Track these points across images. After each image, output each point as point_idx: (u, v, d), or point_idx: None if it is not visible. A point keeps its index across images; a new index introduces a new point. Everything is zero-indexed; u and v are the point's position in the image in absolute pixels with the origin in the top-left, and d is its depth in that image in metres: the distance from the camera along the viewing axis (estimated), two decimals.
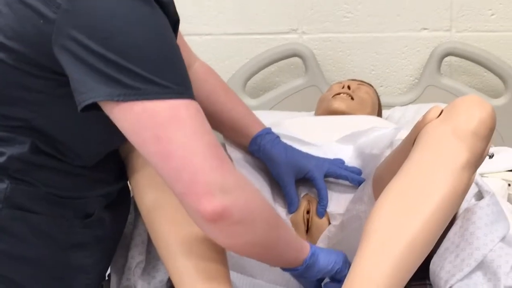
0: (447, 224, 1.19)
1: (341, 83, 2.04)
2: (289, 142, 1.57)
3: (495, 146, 2.04)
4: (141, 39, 1.01)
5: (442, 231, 1.18)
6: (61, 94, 1.10)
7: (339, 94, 1.95)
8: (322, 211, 1.50)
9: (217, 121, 1.53)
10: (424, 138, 1.21)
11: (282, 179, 1.52)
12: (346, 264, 1.24)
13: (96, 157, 1.25)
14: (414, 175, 1.18)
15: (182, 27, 1.23)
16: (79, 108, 1.03)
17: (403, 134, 1.47)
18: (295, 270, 1.21)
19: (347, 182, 1.54)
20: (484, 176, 1.81)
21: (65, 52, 1.02)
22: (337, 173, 1.53)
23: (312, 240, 1.50)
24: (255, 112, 1.60)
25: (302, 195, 1.55)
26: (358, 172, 1.55)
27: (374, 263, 1.12)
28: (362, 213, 1.42)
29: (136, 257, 1.39)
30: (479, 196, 1.41)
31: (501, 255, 1.26)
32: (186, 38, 1.47)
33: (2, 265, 1.18)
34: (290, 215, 1.52)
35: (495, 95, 2.28)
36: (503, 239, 1.29)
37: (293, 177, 1.52)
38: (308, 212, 1.52)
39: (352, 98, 1.93)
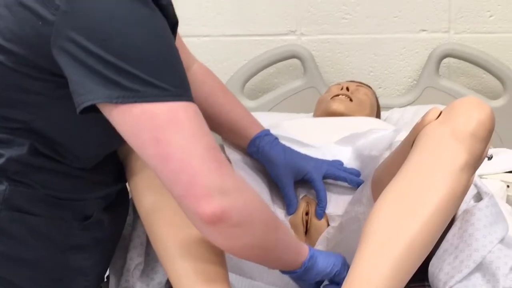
0: (446, 225, 1.19)
1: (339, 84, 2.04)
2: (287, 144, 1.56)
3: (494, 147, 2.04)
4: (140, 41, 1.01)
5: (441, 233, 1.18)
6: (60, 96, 1.10)
7: (337, 95, 1.95)
8: (321, 213, 1.50)
9: (215, 122, 1.53)
10: (423, 139, 1.21)
11: (280, 181, 1.52)
12: (345, 266, 1.24)
13: (95, 159, 1.25)
14: (413, 177, 1.18)
15: (180, 29, 1.23)
16: (78, 110, 1.03)
17: (402, 135, 1.47)
18: (294, 272, 1.21)
19: (345, 184, 1.54)
20: (483, 178, 1.81)
21: (63, 53, 1.02)
22: (336, 174, 1.53)
23: (311, 242, 1.50)
24: (253, 113, 1.60)
25: (300, 196, 1.55)
26: (357, 173, 1.55)
27: (373, 264, 1.12)
28: (361, 214, 1.42)
29: (135, 259, 1.39)
30: (478, 197, 1.41)
31: (500, 256, 1.26)
32: (184, 40, 1.47)
33: (0, 267, 1.18)
34: (289, 217, 1.52)
35: (494, 96, 2.28)
36: (502, 241, 1.29)
37: (291, 179, 1.52)
38: (307, 213, 1.52)
39: (350, 100, 1.93)
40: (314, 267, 1.21)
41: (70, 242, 1.26)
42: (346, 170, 1.55)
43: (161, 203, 1.27)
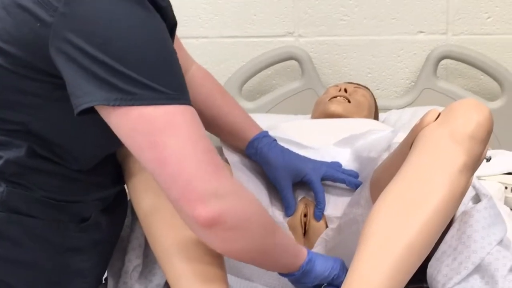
0: (445, 227, 1.19)
1: (337, 86, 2.04)
2: (286, 145, 1.56)
3: (492, 149, 2.04)
4: (138, 44, 1.01)
5: (440, 234, 1.18)
6: (58, 97, 1.10)
7: (335, 97, 1.95)
8: (319, 214, 1.50)
9: (214, 124, 1.53)
10: (421, 141, 1.21)
11: (279, 183, 1.52)
12: (344, 270, 1.23)
13: (93, 161, 1.25)
14: (412, 179, 1.18)
15: (178, 30, 1.23)
16: (76, 112, 1.03)
17: (400, 137, 1.47)
18: (292, 275, 1.21)
19: (344, 185, 1.54)
20: (481, 179, 1.81)
21: (61, 55, 1.02)
22: (335, 176, 1.53)
23: (310, 244, 1.50)
24: (251, 115, 1.60)
25: (299, 198, 1.55)
26: (355, 175, 1.55)
27: (372, 266, 1.12)
28: (359, 216, 1.42)
29: (133, 261, 1.39)
30: (477, 199, 1.41)
31: (498, 258, 1.26)
32: (182, 41, 1.47)
33: None
34: (288, 219, 1.52)
35: (491, 98, 2.28)
36: (500, 242, 1.29)
37: (290, 181, 1.52)
38: (305, 215, 1.52)
39: (348, 101, 1.93)
40: (312, 270, 1.21)
41: (68, 244, 1.25)
42: (345, 171, 1.55)
43: (159, 205, 1.27)
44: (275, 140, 1.55)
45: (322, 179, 1.52)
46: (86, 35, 0.99)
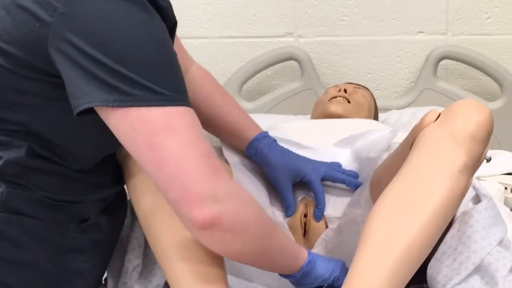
0: (445, 227, 1.19)
1: (337, 86, 2.03)
2: (286, 146, 1.56)
3: (491, 149, 2.04)
4: (138, 45, 1.01)
5: (440, 235, 1.18)
6: (57, 96, 1.10)
7: (335, 97, 1.95)
8: (319, 215, 1.50)
9: (214, 124, 1.53)
10: (421, 141, 1.21)
11: (279, 183, 1.52)
12: (344, 272, 1.23)
13: (93, 161, 1.25)
14: (412, 179, 1.18)
15: (178, 30, 1.23)
16: (75, 112, 1.03)
17: (400, 137, 1.47)
18: (292, 276, 1.21)
19: (344, 186, 1.54)
20: (481, 180, 1.81)
21: (61, 55, 1.02)
22: (334, 176, 1.53)
23: (309, 244, 1.50)
24: (251, 115, 1.59)
25: (299, 198, 1.54)
26: (355, 175, 1.55)
27: (372, 266, 1.12)
28: (359, 216, 1.42)
29: (133, 261, 1.39)
30: (477, 199, 1.41)
31: (498, 258, 1.26)
32: (182, 41, 1.47)
33: None
34: (288, 219, 1.52)
35: (491, 98, 2.27)
36: (500, 243, 1.29)
37: (290, 181, 1.52)
38: (305, 215, 1.52)
39: (348, 102, 1.93)
40: (312, 272, 1.21)
41: (68, 245, 1.25)
42: (345, 172, 1.55)
43: (159, 205, 1.27)
44: (275, 140, 1.55)
45: (322, 179, 1.52)
46: (85, 35, 0.99)
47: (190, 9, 2.35)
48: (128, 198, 1.41)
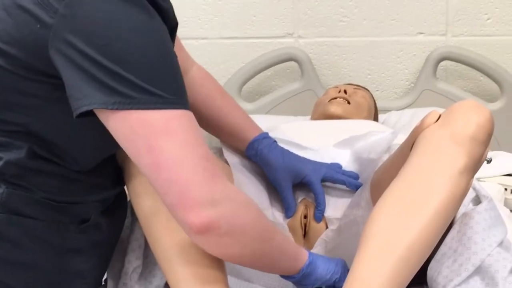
0: (445, 228, 1.19)
1: (337, 87, 2.03)
2: (286, 147, 1.56)
3: (491, 150, 2.03)
4: (138, 47, 1.01)
5: (440, 236, 1.18)
6: (57, 97, 1.10)
7: (335, 98, 1.94)
8: (319, 216, 1.50)
9: (214, 125, 1.53)
10: (422, 143, 1.21)
11: (279, 184, 1.52)
12: (345, 273, 1.23)
13: (93, 162, 1.25)
14: (412, 180, 1.18)
15: (178, 31, 1.23)
16: (75, 114, 1.02)
17: (401, 138, 1.47)
18: (292, 277, 1.21)
19: (344, 187, 1.54)
20: (481, 181, 1.81)
21: (61, 57, 1.01)
22: (335, 177, 1.53)
23: (310, 245, 1.50)
24: (251, 116, 1.59)
25: (299, 199, 1.54)
26: (356, 176, 1.55)
27: (372, 268, 1.12)
28: (360, 217, 1.42)
29: (133, 262, 1.39)
30: (477, 201, 1.41)
31: (498, 259, 1.26)
32: (181, 42, 1.47)
33: None
34: (288, 220, 1.52)
35: (491, 99, 2.27)
36: (500, 244, 1.29)
37: (290, 182, 1.52)
38: (305, 216, 1.52)
39: (348, 103, 1.93)
40: (313, 273, 1.21)
41: (68, 245, 1.25)
42: (345, 173, 1.55)
43: (159, 207, 1.27)
44: (275, 141, 1.55)
45: (322, 180, 1.52)
46: (86, 36, 0.99)
47: (190, 9, 2.35)
48: (128, 199, 1.41)
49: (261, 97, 2.40)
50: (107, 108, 1.00)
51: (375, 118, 2.05)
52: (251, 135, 1.53)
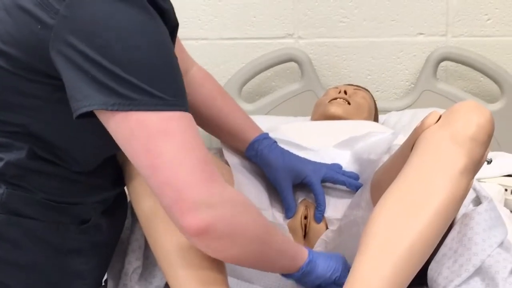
0: (446, 229, 1.19)
1: (337, 88, 2.03)
2: (286, 147, 1.56)
3: (491, 151, 2.03)
4: (138, 48, 1.01)
5: (441, 237, 1.18)
6: (57, 98, 1.09)
7: (335, 99, 1.95)
8: (319, 216, 1.50)
9: (214, 126, 1.53)
10: (422, 143, 1.21)
11: (279, 184, 1.52)
12: (346, 270, 1.23)
13: (93, 163, 1.25)
14: (413, 181, 1.18)
15: (178, 31, 1.23)
16: (74, 115, 1.02)
17: (401, 139, 1.47)
18: (292, 276, 1.21)
19: (344, 187, 1.54)
20: (481, 181, 1.81)
21: (61, 58, 1.01)
22: (335, 178, 1.53)
23: (310, 245, 1.50)
24: (251, 117, 1.59)
25: (299, 200, 1.54)
26: (356, 177, 1.55)
27: (373, 268, 1.12)
28: (360, 218, 1.42)
29: (133, 263, 1.39)
30: (477, 201, 1.41)
31: (499, 260, 1.26)
32: (181, 43, 1.47)
33: None
34: (288, 221, 1.52)
35: (491, 100, 2.27)
36: (501, 245, 1.29)
37: (290, 182, 1.52)
38: (305, 217, 1.52)
39: (348, 103, 1.93)
40: (313, 272, 1.21)
41: (68, 246, 1.25)
42: (345, 173, 1.55)
43: (160, 208, 1.26)
44: (275, 142, 1.55)
45: (322, 181, 1.52)
46: (86, 37, 0.99)
47: (190, 10, 2.35)
48: (128, 200, 1.40)
49: (261, 98, 2.39)
50: (106, 109, 1.00)
51: (375, 119, 2.05)
52: (251, 135, 1.53)
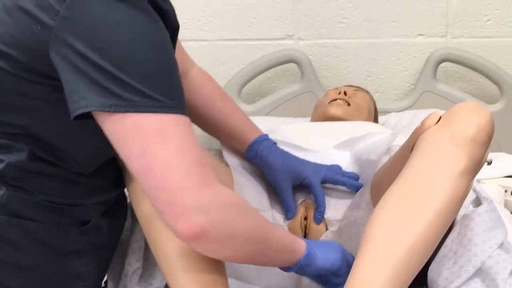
0: (446, 230, 1.19)
1: (337, 89, 2.03)
2: (286, 148, 1.56)
3: (491, 152, 2.03)
4: (137, 50, 1.00)
5: (441, 238, 1.18)
6: (57, 99, 1.09)
7: (335, 100, 1.95)
8: (319, 217, 1.50)
9: (214, 127, 1.53)
10: (422, 144, 1.21)
11: (279, 186, 1.52)
12: (344, 260, 1.24)
13: (94, 164, 1.25)
14: (413, 182, 1.18)
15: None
16: (72, 116, 1.02)
17: (400, 140, 1.47)
18: (290, 269, 1.21)
19: (344, 188, 1.54)
20: (481, 182, 1.81)
21: (61, 59, 1.01)
22: (335, 179, 1.53)
23: None
24: (251, 118, 1.59)
25: (299, 201, 1.54)
26: (356, 177, 1.55)
27: (373, 270, 1.12)
28: (360, 219, 1.42)
29: (133, 264, 1.39)
30: (477, 202, 1.41)
31: (499, 261, 1.26)
32: (182, 44, 1.47)
33: None
34: (288, 222, 1.52)
35: (491, 101, 2.28)
36: (501, 246, 1.29)
37: (290, 184, 1.52)
38: (305, 218, 1.52)
39: (348, 104, 1.93)
40: (311, 265, 1.21)
41: (68, 248, 1.25)
42: (345, 174, 1.55)
43: None
44: (275, 143, 1.55)
45: (322, 182, 1.52)
46: (86, 39, 0.99)
47: (190, 11, 2.35)
48: (128, 201, 1.40)
49: (261, 99, 2.40)
50: (103, 111, 1.00)
51: (375, 120, 2.05)
52: (251, 137, 1.53)
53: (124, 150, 1.02)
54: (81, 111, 1.01)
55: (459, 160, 1.16)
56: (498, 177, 1.89)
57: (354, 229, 1.43)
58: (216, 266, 1.21)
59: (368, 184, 1.44)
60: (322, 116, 1.93)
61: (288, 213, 1.51)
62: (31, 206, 1.18)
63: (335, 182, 1.53)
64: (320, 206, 1.50)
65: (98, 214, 1.29)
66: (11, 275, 1.19)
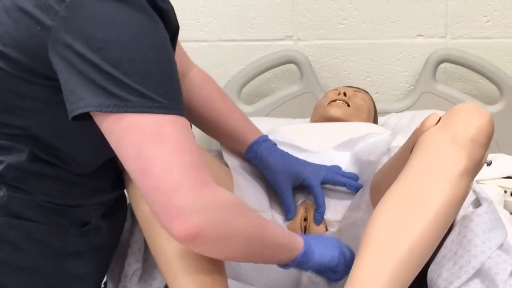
0: (446, 231, 1.19)
1: (337, 89, 2.03)
2: (285, 149, 1.56)
3: (491, 153, 2.03)
4: (136, 51, 1.00)
5: (441, 239, 1.18)
6: (57, 100, 1.09)
7: (335, 100, 1.95)
8: (319, 218, 1.50)
9: (213, 128, 1.53)
10: (422, 145, 1.21)
11: (279, 187, 1.52)
12: (342, 256, 1.25)
13: (94, 165, 1.24)
14: (413, 183, 1.18)
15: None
16: (70, 117, 1.02)
17: (399, 140, 1.47)
18: (287, 265, 1.21)
19: (344, 189, 1.53)
20: (480, 183, 1.81)
21: (60, 59, 1.01)
22: (334, 179, 1.53)
23: None
24: (250, 119, 1.59)
25: (299, 202, 1.54)
26: (356, 178, 1.54)
27: (372, 271, 1.12)
28: (360, 220, 1.42)
29: (133, 265, 1.39)
30: (477, 203, 1.41)
31: (498, 262, 1.26)
32: (181, 44, 1.47)
33: None
34: (287, 222, 1.51)
35: (490, 101, 2.28)
36: (500, 247, 1.29)
37: (290, 185, 1.51)
38: (305, 219, 1.52)
39: (348, 105, 1.93)
40: (309, 261, 1.21)
41: (68, 249, 1.25)
42: (345, 174, 1.55)
43: None
44: (275, 144, 1.55)
45: (322, 182, 1.52)
46: (85, 39, 0.99)
47: (190, 12, 2.35)
48: (128, 202, 1.40)
49: (261, 100, 2.40)
50: (102, 111, 1.00)
51: (375, 121, 2.05)
52: (251, 137, 1.53)
53: (121, 150, 1.02)
54: (79, 111, 1.00)
55: (459, 161, 1.16)
56: (498, 178, 1.89)
57: (354, 230, 1.43)
58: (216, 267, 1.21)
59: (368, 185, 1.44)
60: (321, 117, 1.93)
61: (288, 214, 1.51)
62: (31, 207, 1.18)
63: (335, 183, 1.53)
64: (320, 207, 1.50)
65: (98, 215, 1.29)
66: (11, 276, 1.19)
